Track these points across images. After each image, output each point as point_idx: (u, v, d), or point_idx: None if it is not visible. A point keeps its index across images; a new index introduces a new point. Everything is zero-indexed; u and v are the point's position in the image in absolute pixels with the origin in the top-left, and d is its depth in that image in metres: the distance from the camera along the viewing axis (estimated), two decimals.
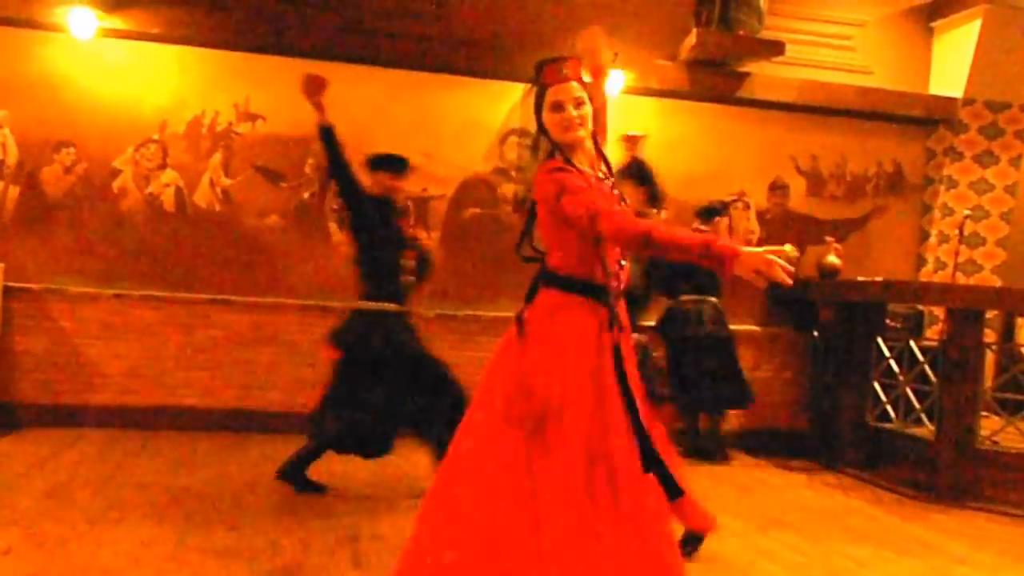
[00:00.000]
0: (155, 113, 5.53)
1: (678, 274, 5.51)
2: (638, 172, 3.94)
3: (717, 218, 5.60)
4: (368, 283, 4.17)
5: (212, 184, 5.62)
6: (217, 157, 5.62)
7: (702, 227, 5.57)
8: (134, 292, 5.42)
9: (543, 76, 2.34)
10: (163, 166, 5.56)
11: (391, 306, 4.15)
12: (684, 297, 5.60)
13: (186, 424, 5.40)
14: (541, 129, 2.37)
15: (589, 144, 2.39)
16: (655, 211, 4.12)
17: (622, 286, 2.36)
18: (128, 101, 5.49)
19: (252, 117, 5.66)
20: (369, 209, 4.16)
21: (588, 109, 2.33)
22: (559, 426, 2.17)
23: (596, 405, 2.21)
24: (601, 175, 2.39)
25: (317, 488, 4.14)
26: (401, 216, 4.46)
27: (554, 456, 2.15)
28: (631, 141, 4.37)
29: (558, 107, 2.31)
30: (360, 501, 4.10)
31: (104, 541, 3.24)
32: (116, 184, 5.50)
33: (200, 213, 5.59)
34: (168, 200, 5.56)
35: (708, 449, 5.67)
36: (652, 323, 5.76)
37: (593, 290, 2.30)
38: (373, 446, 4.13)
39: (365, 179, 4.25)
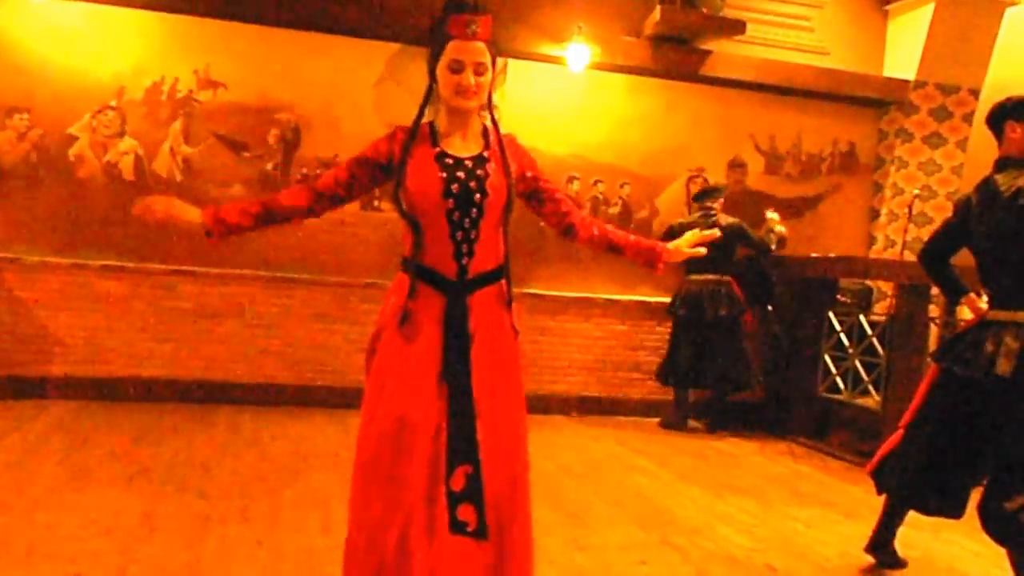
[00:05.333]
0: (112, 79, 5.41)
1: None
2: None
3: (717, 197, 5.83)
4: None
5: (172, 153, 5.54)
6: (177, 125, 5.53)
7: (708, 205, 5.79)
8: (93, 262, 5.34)
9: (448, 24, 2.00)
10: (121, 133, 5.46)
11: None
12: (695, 276, 5.75)
13: (151, 395, 5.36)
14: (432, 77, 2.09)
15: (476, 119, 2.12)
16: None
17: (469, 275, 2.09)
18: (84, 66, 5.36)
19: (213, 84, 5.57)
20: None
21: (488, 77, 2.05)
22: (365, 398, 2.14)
23: (397, 386, 2.06)
24: (468, 156, 2.09)
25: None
26: None
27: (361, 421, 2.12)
28: None
29: (457, 67, 2.01)
30: (330, 467, 4.15)
31: (71, 509, 3.25)
32: (72, 152, 5.38)
33: (160, 182, 5.50)
34: (127, 168, 5.47)
35: (702, 422, 5.92)
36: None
37: (422, 273, 2.08)
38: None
39: None
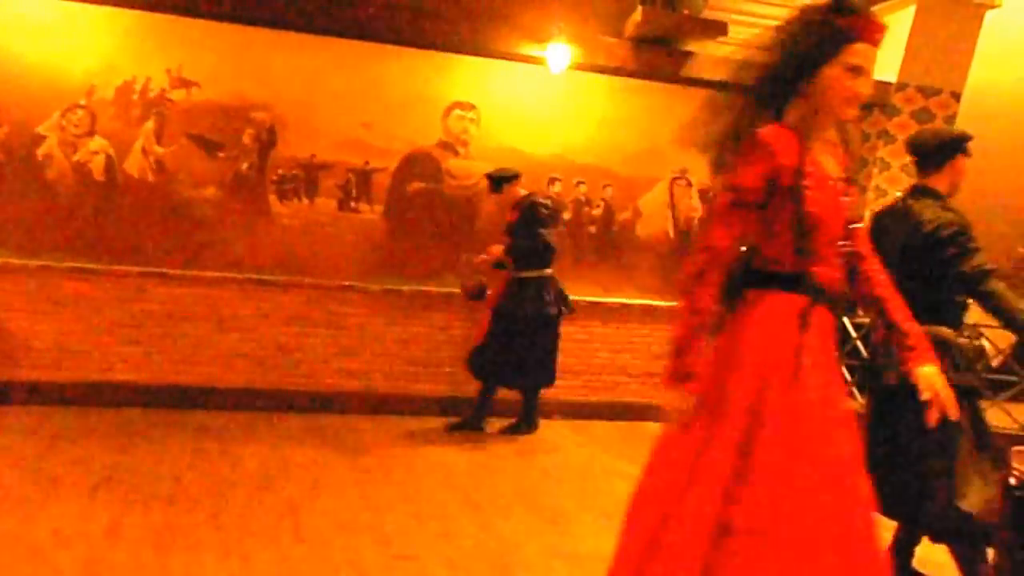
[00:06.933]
0: (83, 77, 5.28)
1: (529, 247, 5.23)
2: None
3: (506, 186, 5.31)
4: None
5: (144, 153, 5.41)
6: (149, 124, 5.41)
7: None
8: (61, 264, 5.19)
9: (857, 23, 1.90)
10: (91, 133, 5.32)
11: None
12: (527, 273, 5.26)
13: (120, 400, 5.20)
14: (806, 73, 1.94)
15: (839, 131, 2.09)
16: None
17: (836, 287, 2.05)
18: (53, 64, 5.22)
19: (187, 83, 5.45)
20: None
21: None
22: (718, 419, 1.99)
23: (828, 421, 1.94)
24: (841, 180, 2.05)
25: None
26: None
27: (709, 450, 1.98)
28: None
29: (857, 72, 1.91)
30: (304, 474, 4.05)
31: (34, 519, 3.14)
32: (41, 151, 5.24)
33: (132, 183, 5.38)
34: (97, 168, 5.33)
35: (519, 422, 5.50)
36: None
37: (819, 295, 2.00)
38: None
39: None
